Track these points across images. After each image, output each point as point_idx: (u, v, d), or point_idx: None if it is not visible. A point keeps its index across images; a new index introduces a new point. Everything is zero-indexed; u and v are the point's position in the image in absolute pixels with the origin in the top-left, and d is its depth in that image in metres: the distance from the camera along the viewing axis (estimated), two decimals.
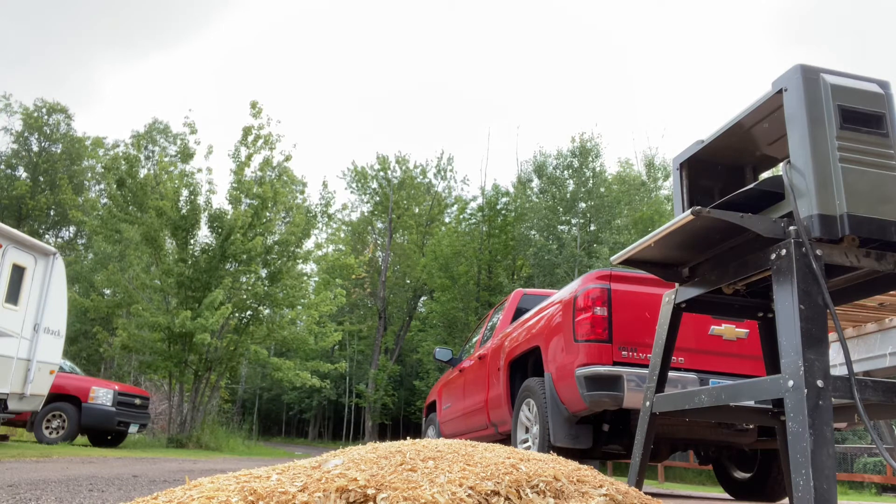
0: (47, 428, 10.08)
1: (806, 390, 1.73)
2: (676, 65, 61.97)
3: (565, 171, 24.64)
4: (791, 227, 1.92)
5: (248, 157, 15.62)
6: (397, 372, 32.21)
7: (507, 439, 5.20)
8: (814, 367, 1.76)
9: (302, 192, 17.70)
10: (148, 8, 62.29)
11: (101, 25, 59.33)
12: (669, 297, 2.59)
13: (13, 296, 7.65)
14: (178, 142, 29.58)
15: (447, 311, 26.22)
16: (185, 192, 14.70)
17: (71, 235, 32.74)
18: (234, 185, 15.37)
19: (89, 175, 31.78)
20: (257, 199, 14.77)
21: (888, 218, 1.89)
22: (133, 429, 11.02)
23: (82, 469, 5.11)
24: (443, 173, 34.31)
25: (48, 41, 52.72)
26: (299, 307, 16.09)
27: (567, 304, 4.16)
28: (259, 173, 15.95)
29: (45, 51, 51.81)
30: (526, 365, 4.94)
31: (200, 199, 14.95)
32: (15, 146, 30.92)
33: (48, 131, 31.24)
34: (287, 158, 16.57)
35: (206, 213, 14.96)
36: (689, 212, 2.00)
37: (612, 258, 2.59)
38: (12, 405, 7.82)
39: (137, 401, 11.24)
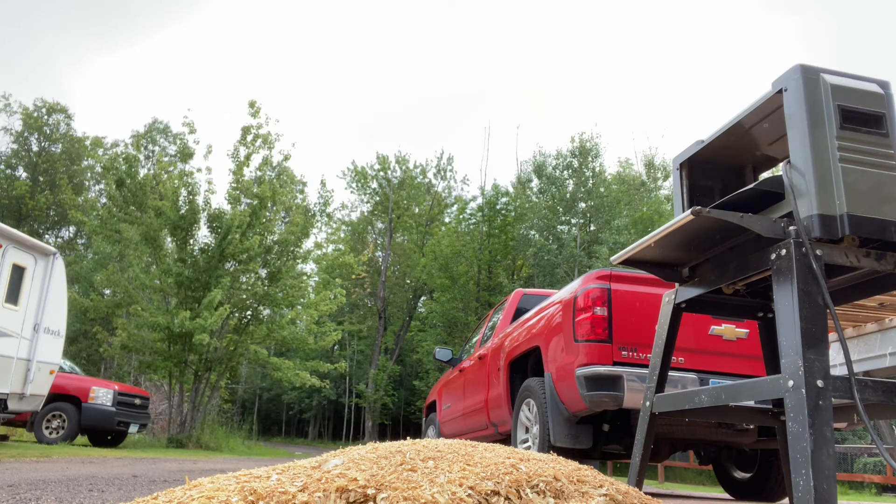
0: (47, 428, 10.07)
1: (806, 390, 1.72)
2: (676, 65, 61.99)
3: (565, 171, 24.63)
4: (791, 227, 1.92)
5: (247, 157, 15.65)
6: (397, 372, 32.19)
7: (507, 439, 5.20)
8: (814, 367, 1.76)
9: (301, 192, 17.74)
10: (144, 4, 62.28)
11: (94, 21, 59.31)
12: (669, 297, 2.59)
13: (13, 296, 7.65)
14: (178, 142, 29.62)
15: (447, 311, 26.21)
16: (184, 192, 14.71)
17: (71, 235, 32.69)
18: (233, 184, 15.38)
19: (89, 175, 31.74)
20: (256, 199, 14.78)
21: (888, 218, 1.89)
22: (133, 429, 11.02)
23: (82, 469, 5.11)
24: (443, 173, 34.32)
25: (38, 37, 52.60)
26: (299, 307, 16.10)
27: (567, 305, 4.16)
28: (258, 173, 15.96)
29: (37, 47, 51.68)
30: (526, 365, 4.94)
31: (199, 199, 14.98)
32: (15, 146, 30.89)
33: (48, 131, 31.21)
34: (286, 158, 16.62)
35: (205, 213, 14.97)
36: (689, 212, 2.00)
37: (612, 258, 2.59)
38: (12, 405, 7.82)
39: (137, 401, 11.24)
